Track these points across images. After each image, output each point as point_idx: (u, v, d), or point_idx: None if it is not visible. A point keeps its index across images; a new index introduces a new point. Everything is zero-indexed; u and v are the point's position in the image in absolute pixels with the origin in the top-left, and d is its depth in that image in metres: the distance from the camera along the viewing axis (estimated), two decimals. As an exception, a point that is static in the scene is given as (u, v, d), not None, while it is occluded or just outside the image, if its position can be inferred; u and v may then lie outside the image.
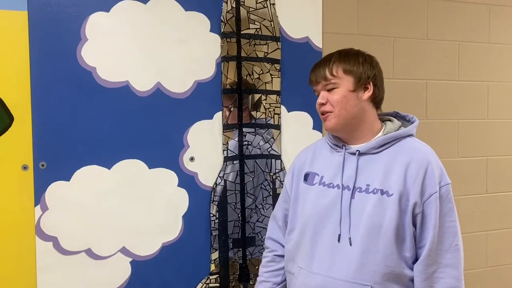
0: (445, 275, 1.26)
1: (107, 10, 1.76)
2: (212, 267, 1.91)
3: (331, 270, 1.29)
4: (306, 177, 1.42)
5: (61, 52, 1.71)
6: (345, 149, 1.36)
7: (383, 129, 1.37)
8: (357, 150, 1.33)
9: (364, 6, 2.13)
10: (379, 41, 2.16)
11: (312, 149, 1.48)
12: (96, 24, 1.74)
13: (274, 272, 1.50)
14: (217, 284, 1.91)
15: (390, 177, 1.28)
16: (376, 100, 1.37)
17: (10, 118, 1.66)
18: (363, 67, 1.33)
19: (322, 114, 1.35)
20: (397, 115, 1.45)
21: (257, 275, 1.54)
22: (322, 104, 1.34)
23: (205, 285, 1.90)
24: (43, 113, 1.69)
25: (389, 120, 1.41)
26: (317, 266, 1.31)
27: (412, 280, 1.29)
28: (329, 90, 1.33)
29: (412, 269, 1.28)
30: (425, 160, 1.29)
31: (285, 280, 1.48)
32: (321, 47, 2.03)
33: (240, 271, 1.94)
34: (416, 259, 1.29)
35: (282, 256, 1.48)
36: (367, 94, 1.33)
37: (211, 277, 1.91)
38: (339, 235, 1.29)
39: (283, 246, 1.48)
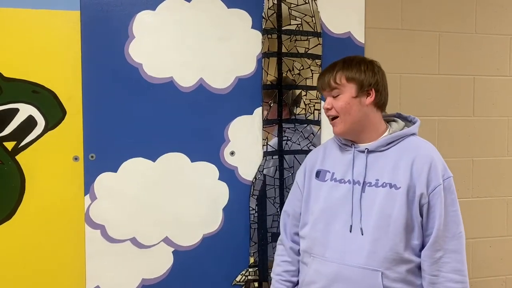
0: (451, 260, 1.38)
1: (153, 9, 1.83)
2: (251, 260, 1.94)
3: (344, 258, 1.41)
4: (318, 174, 1.55)
5: (110, 49, 1.79)
6: (354, 147, 1.48)
7: (388, 129, 1.50)
8: (366, 148, 1.46)
9: (409, 0, 2.08)
10: (424, 36, 2.11)
11: (322, 148, 1.62)
12: (143, 22, 1.82)
13: (293, 272, 1.60)
14: (256, 277, 1.95)
15: (398, 172, 1.41)
16: (379, 104, 1.48)
17: (63, 112, 1.77)
18: (365, 74, 1.45)
19: (330, 119, 1.49)
20: (400, 116, 1.57)
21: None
22: (328, 109, 1.47)
23: (244, 277, 1.94)
24: (93, 108, 1.79)
25: (394, 121, 1.54)
26: (330, 255, 1.44)
27: (417, 266, 1.41)
28: (334, 96, 1.46)
29: (418, 256, 1.41)
30: (429, 156, 1.42)
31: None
32: (363, 42, 2.02)
33: (278, 265, 1.96)
34: (423, 247, 1.41)
35: (298, 252, 1.59)
36: (369, 99, 1.45)
37: (250, 269, 1.94)
38: (351, 226, 1.42)
39: (298, 242, 1.59)
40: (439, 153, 1.46)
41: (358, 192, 1.43)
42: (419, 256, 1.41)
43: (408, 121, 1.55)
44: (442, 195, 1.38)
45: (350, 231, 1.41)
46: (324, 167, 1.54)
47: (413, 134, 1.49)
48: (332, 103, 1.46)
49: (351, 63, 1.47)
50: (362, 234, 1.40)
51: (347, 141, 1.51)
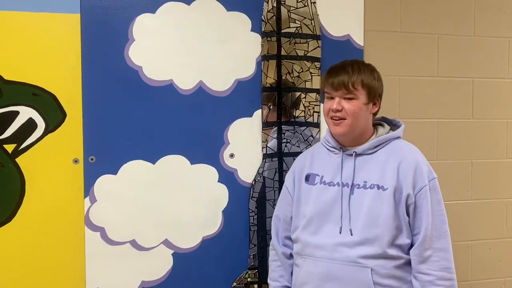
0: (440, 258, 1.43)
1: (153, 12, 1.83)
2: (251, 262, 1.94)
3: (334, 257, 1.45)
4: (307, 178, 1.58)
5: (110, 52, 1.80)
6: (343, 151, 1.52)
7: (375, 133, 1.55)
8: (354, 151, 1.50)
9: (408, 3, 2.09)
10: (423, 38, 2.12)
11: (309, 153, 1.65)
12: (143, 25, 1.82)
13: (288, 276, 1.63)
14: (256, 279, 1.95)
15: (385, 174, 1.46)
16: (376, 113, 1.55)
17: (63, 115, 1.77)
18: (377, 83, 1.50)
19: (333, 119, 1.48)
20: (385, 120, 1.62)
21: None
22: (338, 111, 1.46)
23: (243, 279, 1.94)
24: (93, 110, 1.79)
25: (380, 125, 1.58)
26: (320, 255, 1.48)
27: (406, 262, 1.46)
28: (345, 99, 1.46)
29: (406, 253, 1.46)
30: (414, 158, 1.48)
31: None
32: (362, 45, 2.02)
33: (278, 267, 1.96)
34: (411, 245, 1.46)
35: (290, 256, 1.63)
36: (375, 108, 1.52)
37: (249, 271, 1.95)
38: (341, 228, 1.46)
39: (290, 246, 1.63)
40: (423, 155, 1.52)
41: (347, 194, 1.47)
42: (408, 253, 1.46)
43: (393, 125, 1.60)
44: (428, 196, 1.44)
45: (340, 232, 1.46)
46: (313, 171, 1.57)
47: (398, 137, 1.54)
48: (343, 104, 1.46)
49: (366, 69, 1.49)
50: (352, 235, 1.45)
51: (336, 144, 1.54)
